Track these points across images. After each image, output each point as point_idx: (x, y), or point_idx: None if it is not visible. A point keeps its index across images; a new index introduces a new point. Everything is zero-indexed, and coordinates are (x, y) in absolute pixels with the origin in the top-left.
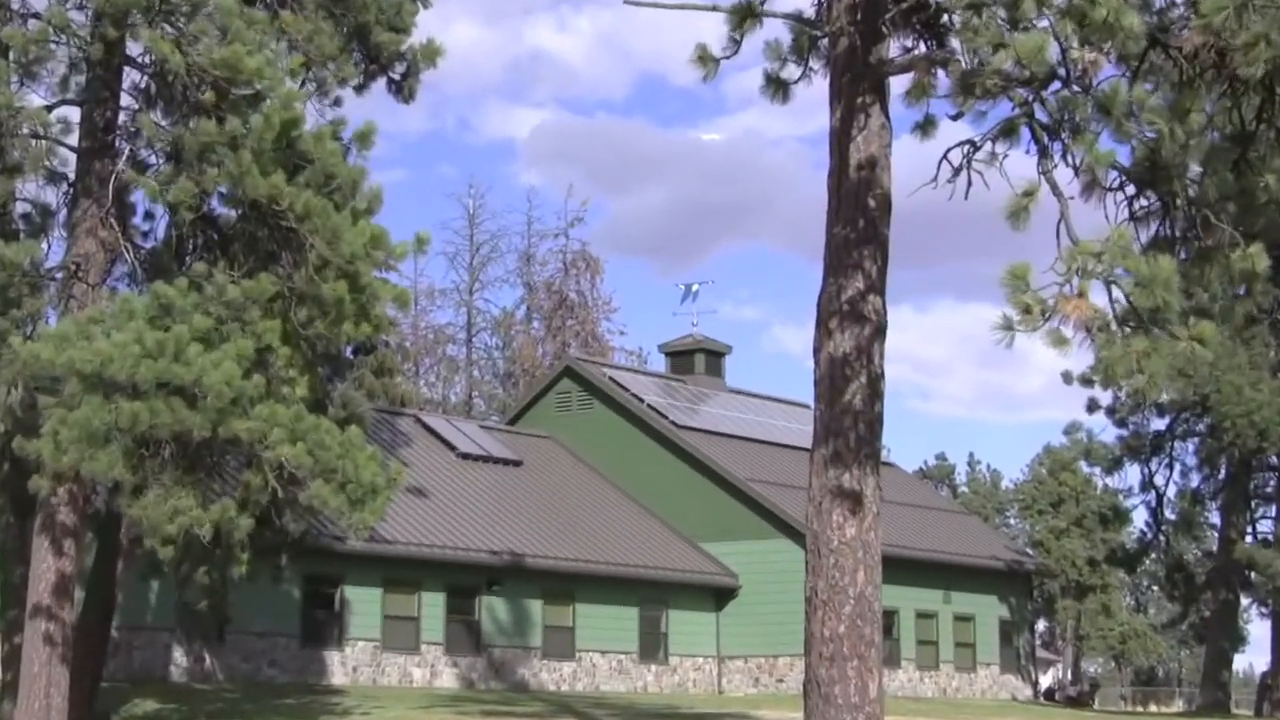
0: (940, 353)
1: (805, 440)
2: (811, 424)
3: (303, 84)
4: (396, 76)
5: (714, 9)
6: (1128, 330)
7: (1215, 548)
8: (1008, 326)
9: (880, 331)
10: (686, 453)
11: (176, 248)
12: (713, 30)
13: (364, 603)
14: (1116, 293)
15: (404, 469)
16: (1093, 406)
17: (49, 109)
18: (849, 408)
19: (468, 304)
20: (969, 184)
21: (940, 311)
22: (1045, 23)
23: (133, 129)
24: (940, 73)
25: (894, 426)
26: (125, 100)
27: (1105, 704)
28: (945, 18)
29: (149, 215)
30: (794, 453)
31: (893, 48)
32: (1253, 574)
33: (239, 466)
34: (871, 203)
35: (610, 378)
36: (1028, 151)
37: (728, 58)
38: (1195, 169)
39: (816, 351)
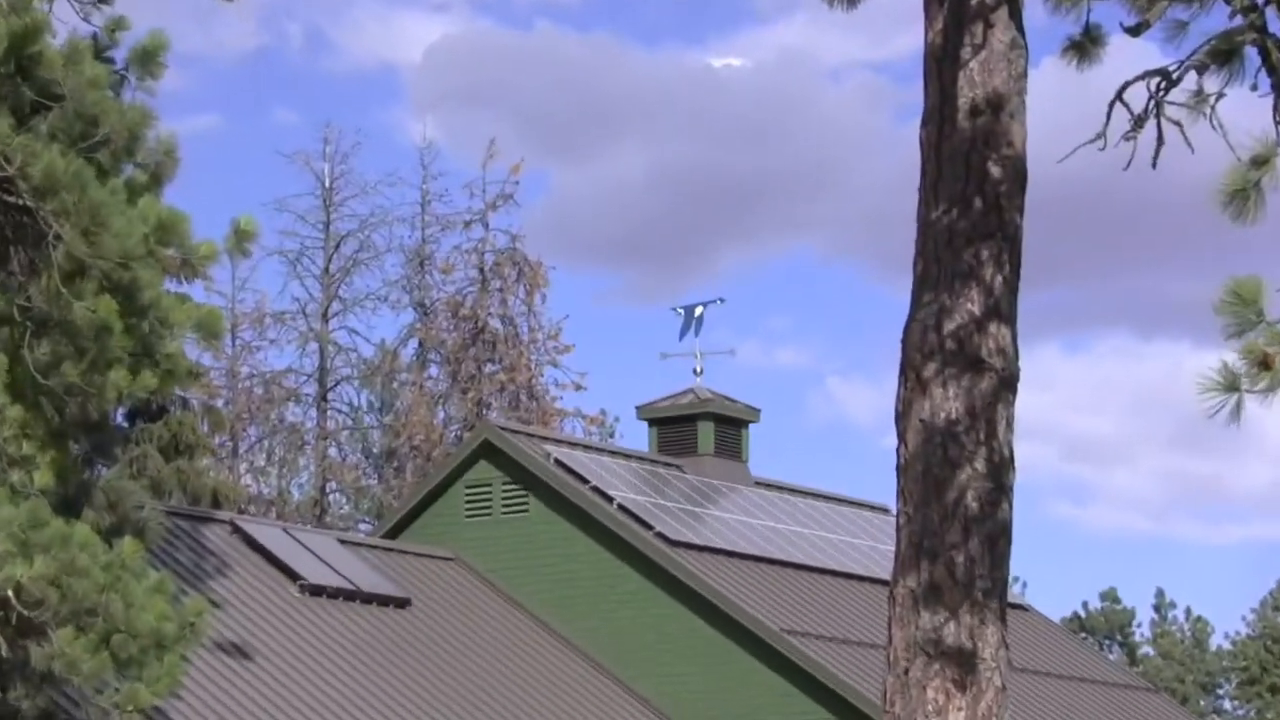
0: (1106, 425)
1: (879, 567)
2: (892, 539)
3: None
4: None
5: None
6: None
7: None
8: (1230, 386)
9: (1008, 384)
10: (684, 586)
11: None
12: None
13: None
14: None
15: (210, 611)
16: None
17: None
18: (956, 511)
19: (320, 338)
20: (1159, 142)
21: (1103, 355)
22: None
23: None
24: None
25: (1028, 544)
26: None
27: None
28: None
29: None
30: (860, 586)
31: None
32: None
33: None
34: (995, 170)
35: (558, 460)
36: (1255, 87)
37: None
38: None
39: (901, 418)
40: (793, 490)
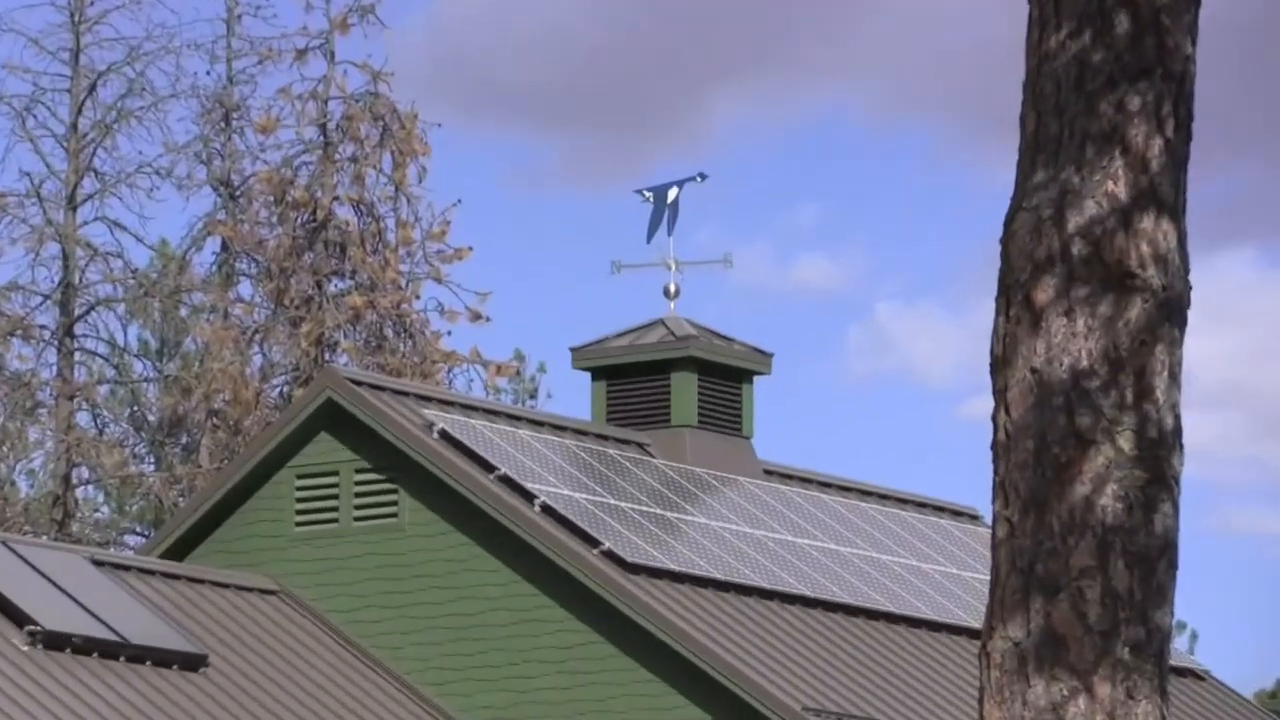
0: None
1: (961, 606)
2: (982, 562)
3: None
4: None
5: None
6: None
7: None
8: None
9: (1172, 312)
10: (648, 636)
11: None
12: None
13: None
14: None
15: None
16: None
17: None
18: (1088, 517)
19: (64, 236)
20: None
21: None
22: None
23: None
24: None
25: (1201, 572)
26: None
27: None
28: None
29: None
30: (931, 639)
31: None
32: None
33: None
34: None
35: (444, 434)
36: None
37: None
38: None
39: (999, 367)
40: (821, 483)
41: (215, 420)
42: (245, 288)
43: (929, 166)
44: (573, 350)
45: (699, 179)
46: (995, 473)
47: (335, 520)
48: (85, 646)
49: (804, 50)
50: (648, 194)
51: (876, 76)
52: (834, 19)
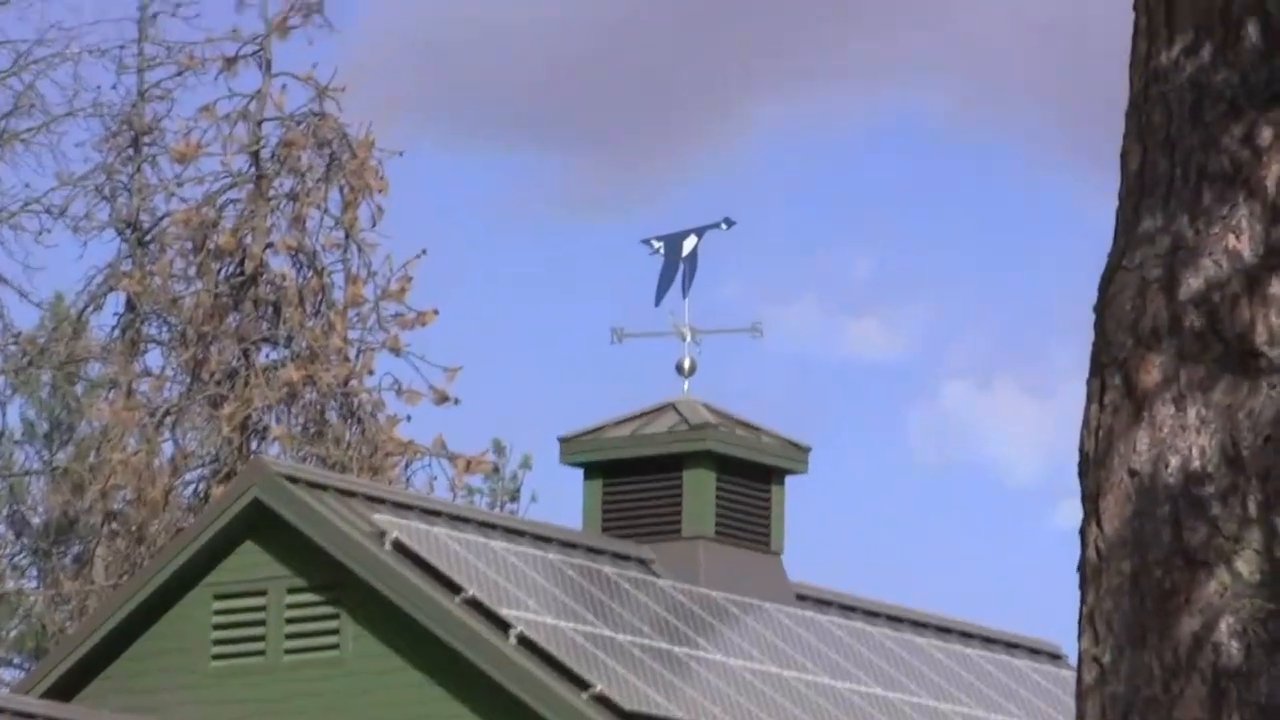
0: None
1: None
2: (1067, 712)
3: None
4: None
5: None
6: None
7: None
8: None
9: None
10: None
11: None
12: None
13: None
14: None
15: None
16: None
17: None
18: (1195, 659)
19: None
20: None
21: None
22: None
23: None
24: None
25: None
26: None
27: None
28: None
29: None
30: None
31: None
32: None
33: None
34: None
35: (399, 545)
36: None
37: None
38: None
39: (1092, 465)
40: (867, 611)
41: (114, 525)
42: (155, 357)
43: (1017, 197)
44: (562, 441)
45: (724, 225)
46: (1083, 601)
47: (262, 652)
48: None
49: (858, 45)
50: (657, 244)
51: (949, 80)
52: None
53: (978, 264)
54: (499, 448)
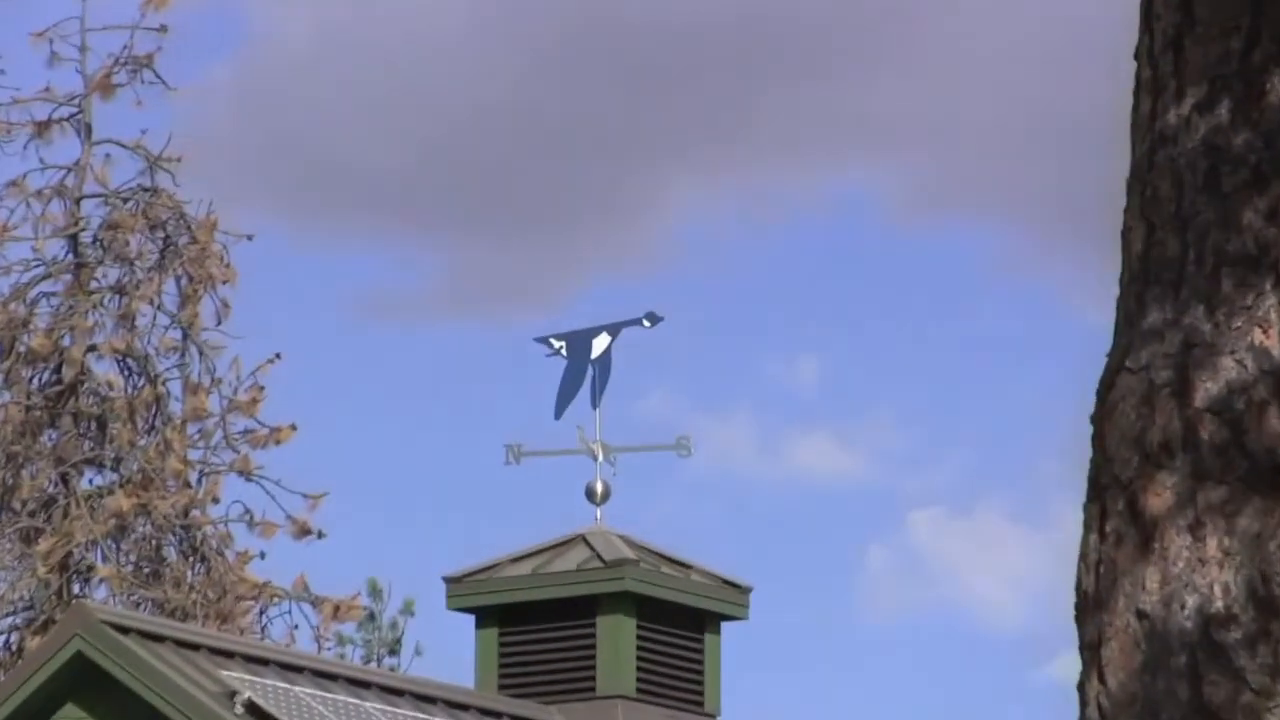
0: None
1: None
2: None
3: None
4: None
5: None
6: None
7: None
8: None
9: None
10: None
11: None
12: None
13: None
14: None
15: None
16: None
17: None
18: None
19: None
20: None
21: None
22: None
23: None
24: None
25: None
26: None
27: None
28: None
29: None
30: None
31: None
32: None
33: None
34: None
35: (252, 707)
36: None
37: None
38: None
39: (1090, 608)
40: None
41: None
42: None
43: (994, 289)
44: (448, 581)
45: (646, 322)
46: None
47: None
48: None
49: (807, 115)
50: (557, 343)
51: (912, 155)
52: (852, 70)
53: (948, 368)
54: (374, 590)
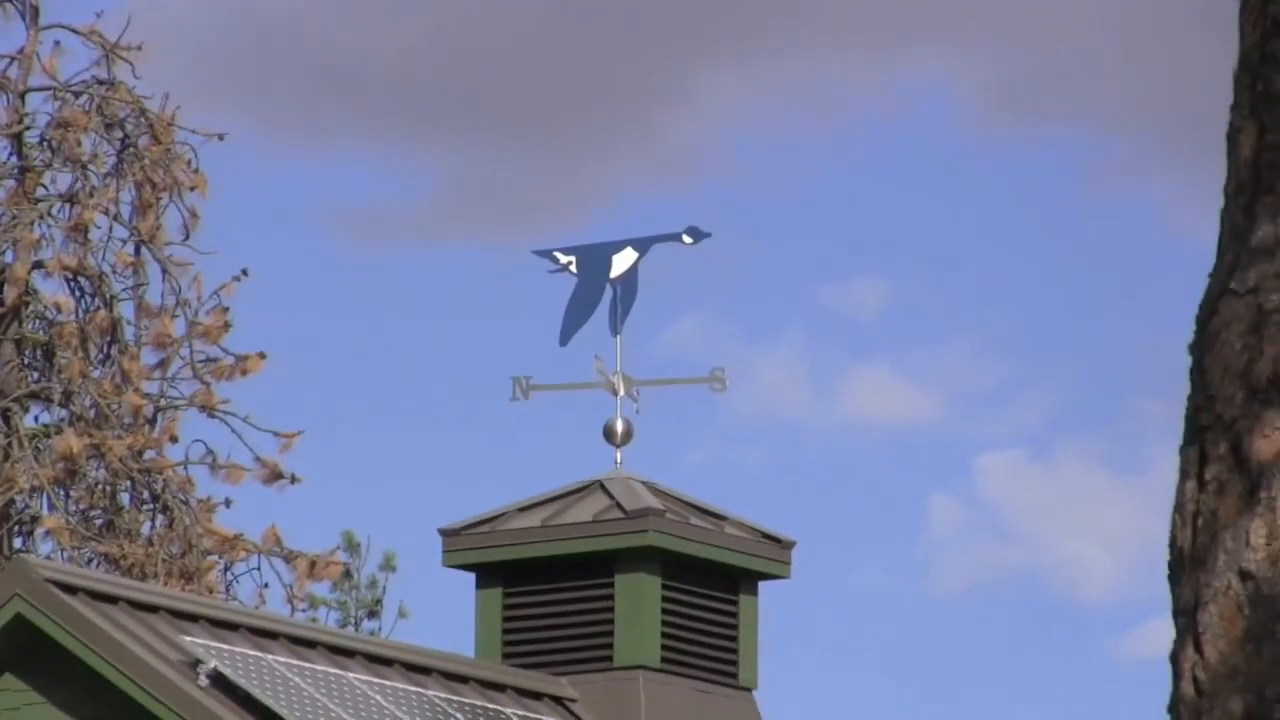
0: None
1: None
2: None
3: None
4: None
5: None
6: None
7: None
8: None
9: None
10: None
11: None
12: None
13: None
14: None
15: None
16: None
17: None
18: None
19: None
20: None
21: None
22: None
23: None
24: None
25: None
26: None
27: None
28: None
29: None
30: None
31: None
32: None
33: None
34: None
35: (218, 677)
36: None
37: None
38: None
39: (1186, 571)
40: None
41: None
42: None
43: (1077, 206)
44: (445, 534)
45: (687, 239)
46: None
47: None
48: None
49: (865, 8)
50: (564, 258)
51: (992, 46)
52: None
53: (1025, 296)
54: (350, 543)
